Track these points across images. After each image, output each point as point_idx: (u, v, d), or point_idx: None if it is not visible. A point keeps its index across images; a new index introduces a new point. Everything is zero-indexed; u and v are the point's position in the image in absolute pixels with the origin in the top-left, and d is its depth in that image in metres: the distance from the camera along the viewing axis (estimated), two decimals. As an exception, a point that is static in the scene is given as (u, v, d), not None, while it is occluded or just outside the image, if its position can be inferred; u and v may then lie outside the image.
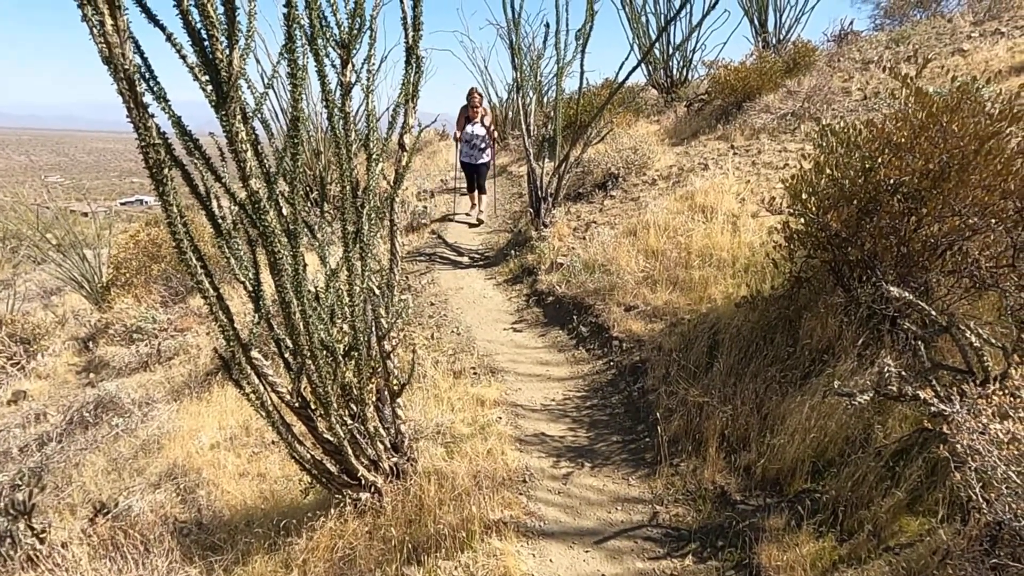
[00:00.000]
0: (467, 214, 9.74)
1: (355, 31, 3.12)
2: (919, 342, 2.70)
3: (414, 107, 3.56)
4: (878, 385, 2.64)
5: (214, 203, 2.80)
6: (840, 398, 2.94)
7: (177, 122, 2.49)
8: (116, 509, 4.62)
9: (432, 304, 6.54)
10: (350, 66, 3.19)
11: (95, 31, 2.20)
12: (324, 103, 3.04)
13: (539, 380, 4.79)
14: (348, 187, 3.18)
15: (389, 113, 3.59)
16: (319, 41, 2.88)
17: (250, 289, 2.88)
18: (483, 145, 8.79)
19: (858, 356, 3.34)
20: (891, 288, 2.62)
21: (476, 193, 9.39)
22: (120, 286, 9.55)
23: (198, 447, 5.34)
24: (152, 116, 2.32)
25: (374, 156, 3.30)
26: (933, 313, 2.60)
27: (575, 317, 5.52)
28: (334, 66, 3.13)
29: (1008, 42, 8.24)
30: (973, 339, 2.46)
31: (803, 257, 3.89)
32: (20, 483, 4.40)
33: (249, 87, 2.64)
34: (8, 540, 3.86)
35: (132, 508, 4.60)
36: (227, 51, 2.40)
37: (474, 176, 9.17)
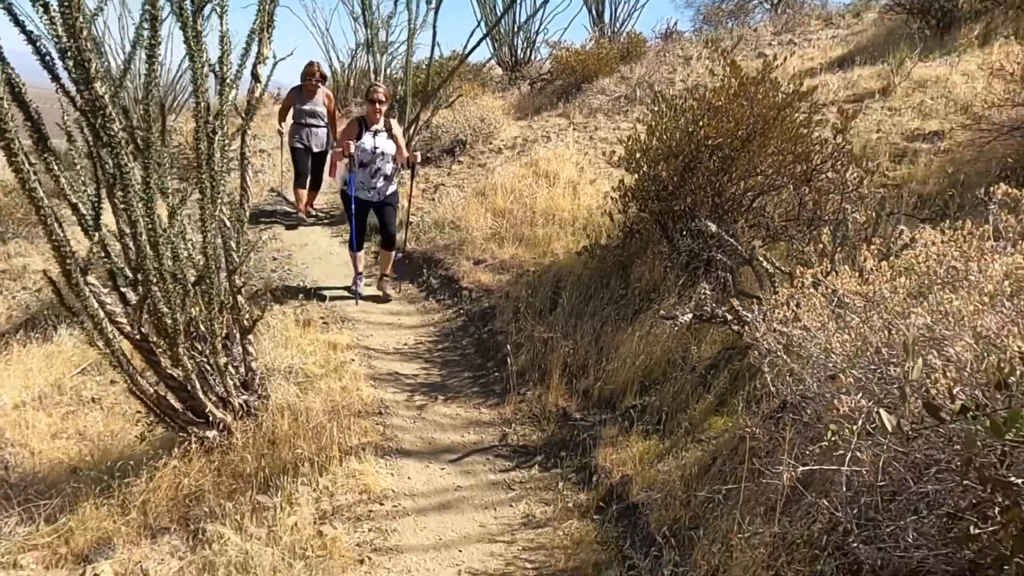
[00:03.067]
0: (351, 289, 5.51)
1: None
2: (728, 273, 3.20)
3: (269, 37, 3.46)
4: (695, 308, 3.09)
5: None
6: (664, 324, 3.39)
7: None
8: None
9: (275, 259, 6.31)
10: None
11: None
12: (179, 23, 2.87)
13: (391, 328, 4.88)
14: (202, 110, 3.05)
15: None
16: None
17: (89, 207, 2.68)
18: (391, 170, 5.27)
19: (679, 294, 3.84)
20: (709, 223, 3.08)
21: (363, 253, 5.70)
22: None
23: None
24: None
25: (228, 81, 3.17)
26: (739, 247, 3.10)
27: (425, 271, 5.65)
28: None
29: (800, 51, 9.60)
30: (768, 267, 2.98)
31: (635, 211, 4.35)
32: None
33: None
34: None
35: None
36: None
37: (365, 222, 5.47)
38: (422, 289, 5.53)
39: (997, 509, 1.16)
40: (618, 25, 13.59)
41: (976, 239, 1.85)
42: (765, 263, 2.99)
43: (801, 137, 3.60)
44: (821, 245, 3.01)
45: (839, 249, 2.84)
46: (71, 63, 2.39)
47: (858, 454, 1.60)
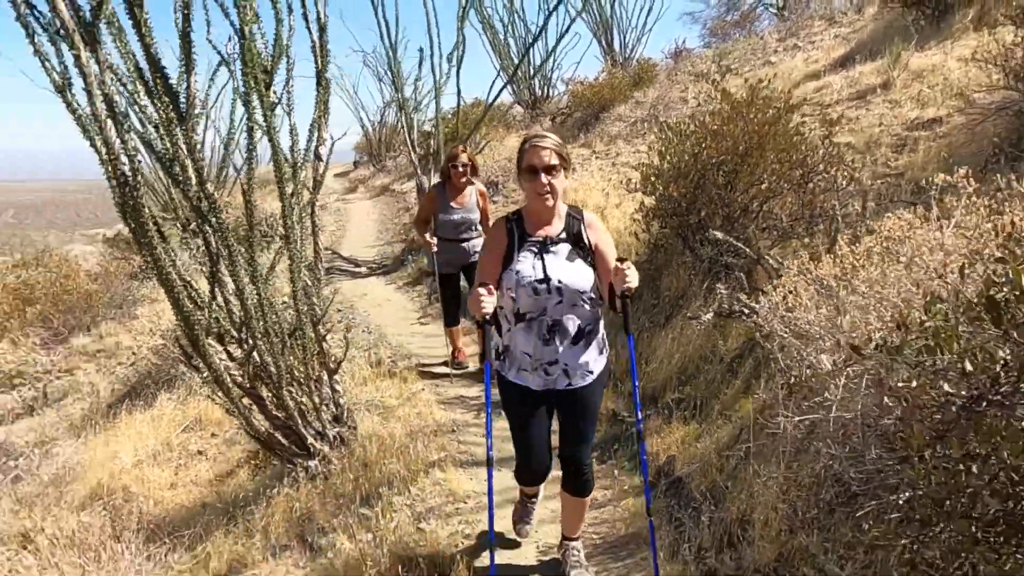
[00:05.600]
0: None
1: (276, 58, 3.64)
2: (742, 273, 3.65)
3: (325, 122, 4.11)
4: (716, 307, 3.55)
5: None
6: (693, 325, 3.85)
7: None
8: (46, 532, 4.70)
9: (339, 310, 6.98)
10: (272, 88, 3.71)
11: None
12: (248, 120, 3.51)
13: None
14: (284, 191, 3.69)
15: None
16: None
17: (209, 278, 3.34)
18: (586, 319, 2.59)
19: (704, 298, 4.29)
20: (716, 232, 3.55)
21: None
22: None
23: (121, 467, 5.42)
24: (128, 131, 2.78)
25: (298, 164, 3.82)
26: (747, 249, 3.56)
27: (475, 305, 6.22)
28: (259, 88, 3.63)
29: (804, 54, 10.00)
30: (773, 263, 3.42)
31: (657, 228, 4.84)
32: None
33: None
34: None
35: (62, 529, 4.71)
36: (185, 78, 2.91)
37: (542, 433, 2.89)
38: (474, 323, 6.09)
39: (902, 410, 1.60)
40: (628, 51, 14.22)
41: (921, 221, 2.29)
42: (771, 260, 3.44)
43: (794, 145, 4.05)
44: (819, 238, 3.45)
45: (834, 240, 3.27)
46: (191, 172, 3.06)
47: (845, 394, 2.05)
